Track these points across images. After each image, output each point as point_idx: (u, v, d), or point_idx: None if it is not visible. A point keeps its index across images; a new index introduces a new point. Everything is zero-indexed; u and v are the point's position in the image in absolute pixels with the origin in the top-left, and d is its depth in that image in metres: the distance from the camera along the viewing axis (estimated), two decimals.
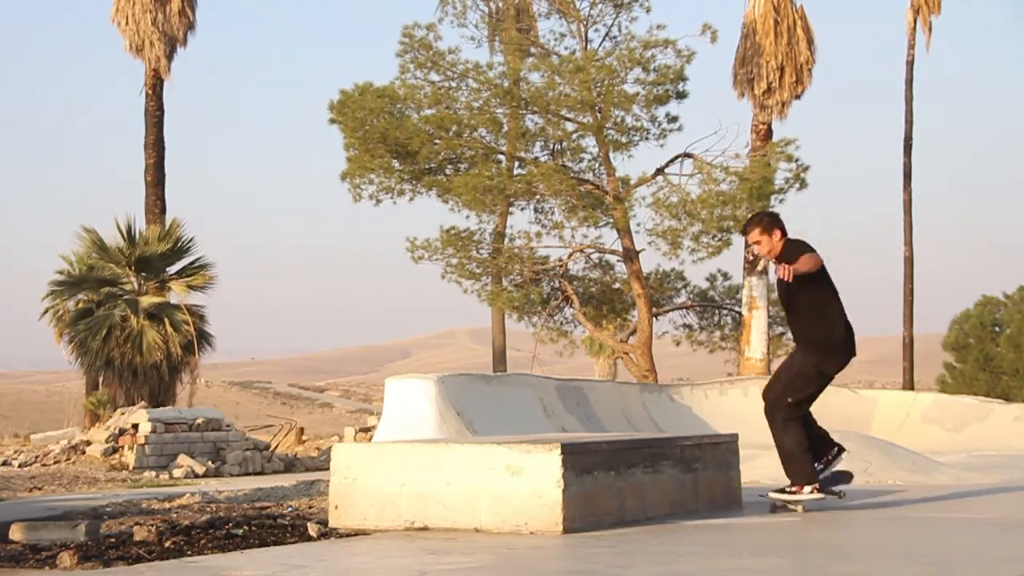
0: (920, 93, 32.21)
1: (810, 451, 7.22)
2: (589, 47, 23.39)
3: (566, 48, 23.85)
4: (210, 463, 16.83)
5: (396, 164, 22.64)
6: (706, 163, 22.28)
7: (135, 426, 17.07)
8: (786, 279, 6.97)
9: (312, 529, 6.28)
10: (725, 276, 25.98)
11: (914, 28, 30.05)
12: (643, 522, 6.32)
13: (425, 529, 6.02)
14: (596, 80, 21.71)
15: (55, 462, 16.81)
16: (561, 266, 23.36)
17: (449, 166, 23.02)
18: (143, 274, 23.65)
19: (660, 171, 22.84)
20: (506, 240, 24.01)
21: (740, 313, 24.44)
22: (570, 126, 22.64)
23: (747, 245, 8.47)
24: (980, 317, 33.41)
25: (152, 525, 6.65)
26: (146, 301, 22.96)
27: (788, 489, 7.22)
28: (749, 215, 13.14)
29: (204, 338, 23.58)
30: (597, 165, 23.23)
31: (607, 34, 23.72)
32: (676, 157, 22.81)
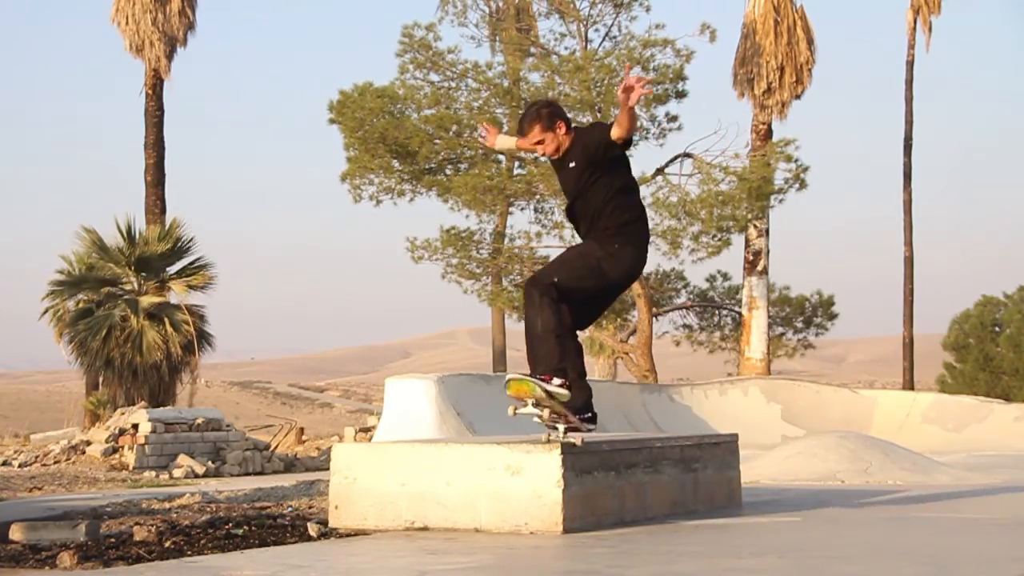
0: (920, 93, 32.17)
1: (564, 342, 5.96)
2: (589, 47, 23.43)
3: (566, 48, 23.91)
4: (210, 463, 16.82)
5: (396, 164, 22.67)
6: (706, 163, 22.29)
7: (135, 426, 17.07)
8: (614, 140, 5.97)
9: (312, 529, 6.27)
10: (725, 276, 26.05)
11: (914, 28, 30.07)
12: (643, 522, 6.32)
13: (425, 529, 6.02)
14: (596, 80, 21.73)
15: (55, 462, 16.81)
16: None
17: (449, 166, 23.04)
18: (143, 274, 23.65)
19: (660, 171, 22.86)
20: (506, 240, 24.03)
21: (740, 313, 24.48)
22: None
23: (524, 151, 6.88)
24: (980, 317, 33.42)
25: (152, 525, 6.65)
26: (146, 301, 22.96)
27: (538, 377, 5.84)
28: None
29: (204, 338, 23.58)
30: None
31: (607, 34, 23.78)
32: (676, 157, 22.84)
